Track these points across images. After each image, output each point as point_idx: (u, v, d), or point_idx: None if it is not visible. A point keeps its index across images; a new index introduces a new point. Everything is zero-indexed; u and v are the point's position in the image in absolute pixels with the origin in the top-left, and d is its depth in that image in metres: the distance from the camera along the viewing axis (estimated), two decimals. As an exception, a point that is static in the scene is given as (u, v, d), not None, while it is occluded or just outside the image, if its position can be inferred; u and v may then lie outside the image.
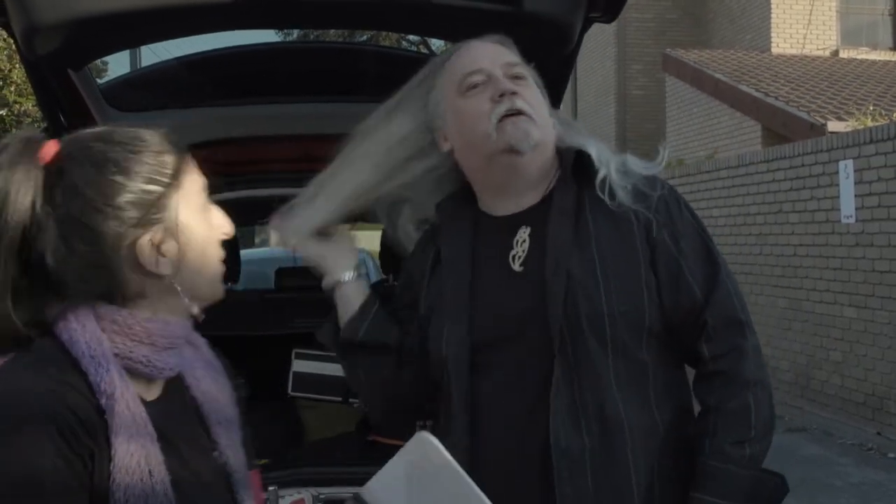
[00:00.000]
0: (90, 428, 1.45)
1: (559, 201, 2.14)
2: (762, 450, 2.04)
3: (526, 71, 2.19)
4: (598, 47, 23.83)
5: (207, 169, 3.80)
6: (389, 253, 5.75)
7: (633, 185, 2.11)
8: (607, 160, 2.13)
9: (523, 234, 2.15)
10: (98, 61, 3.84)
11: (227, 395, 1.79)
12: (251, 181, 3.74)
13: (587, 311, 2.02)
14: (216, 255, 1.66)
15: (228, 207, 4.34)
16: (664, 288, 2.07)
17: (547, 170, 2.18)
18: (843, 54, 19.11)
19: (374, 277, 8.90)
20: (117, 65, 49.09)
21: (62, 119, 3.29)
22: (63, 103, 3.24)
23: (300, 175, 3.85)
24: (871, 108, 12.99)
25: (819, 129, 12.36)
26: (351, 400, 4.03)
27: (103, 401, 1.46)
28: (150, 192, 1.55)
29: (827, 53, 19.07)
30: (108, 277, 1.54)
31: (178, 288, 1.57)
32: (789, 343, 10.36)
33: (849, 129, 10.71)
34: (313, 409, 4.17)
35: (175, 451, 1.57)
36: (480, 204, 2.25)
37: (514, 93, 2.11)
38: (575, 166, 2.15)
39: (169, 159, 1.60)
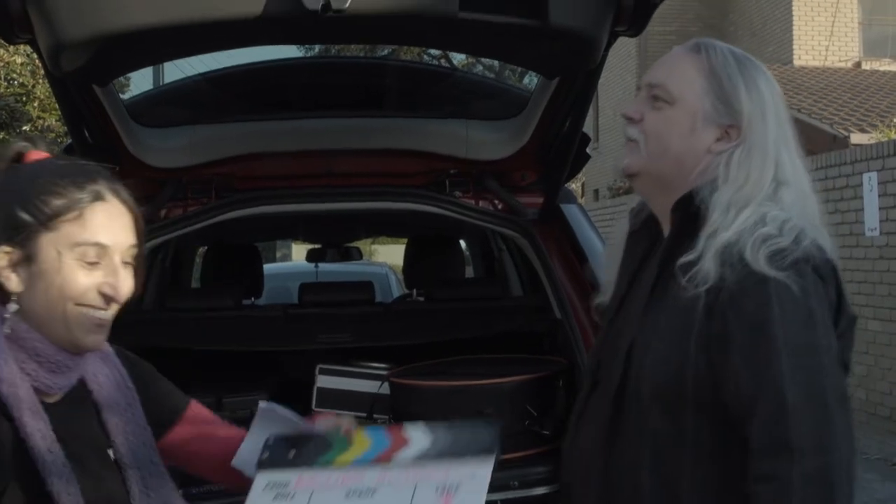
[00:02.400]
0: None
1: (659, 246, 2.02)
2: None
3: (677, 88, 1.97)
4: (619, 60, 23.79)
5: (230, 184, 3.80)
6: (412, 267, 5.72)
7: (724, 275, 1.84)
8: (723, 241, 1.85)
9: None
10: (121, 77, 3.83)
11: (127, 398, 1.88)
12: (273, 197, 3.73)
13: (636, 369, 1.93)
14: (76, 308, 1.69)
15: (250, 223, 4.32)
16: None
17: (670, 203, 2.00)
18: (866, 66, 19.03)
19: (397, 292, 8.87)
20: (141, 80, 49.40)
21: (86, 134, 3.29)
22: (87, 119, 3.24)
23: (323, 190, 3.87)
24: (895, 119, 12.91)
25: (842, 142, 12.30)
26: (375, 416, 4.00)
27: (3, 388, 1.64)
28: (19, 218, 1.68)
29: (849, 65, 19.00)
30: None
31: (29, 313, 1.69)
32: (814, 357, 10.28)
33: (872, 142, 10.64)
34: (337, 425, 4.14)
35: (70, 452, 1.69)
36: None
37: (631, 119, 2.02)
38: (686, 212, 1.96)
39: (58, 203, 1.68)
